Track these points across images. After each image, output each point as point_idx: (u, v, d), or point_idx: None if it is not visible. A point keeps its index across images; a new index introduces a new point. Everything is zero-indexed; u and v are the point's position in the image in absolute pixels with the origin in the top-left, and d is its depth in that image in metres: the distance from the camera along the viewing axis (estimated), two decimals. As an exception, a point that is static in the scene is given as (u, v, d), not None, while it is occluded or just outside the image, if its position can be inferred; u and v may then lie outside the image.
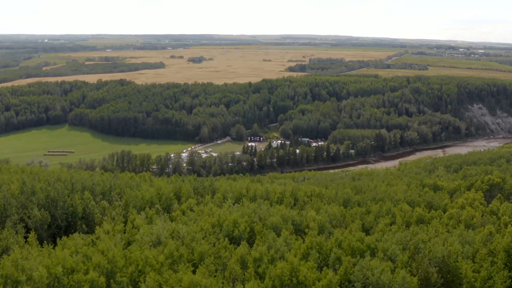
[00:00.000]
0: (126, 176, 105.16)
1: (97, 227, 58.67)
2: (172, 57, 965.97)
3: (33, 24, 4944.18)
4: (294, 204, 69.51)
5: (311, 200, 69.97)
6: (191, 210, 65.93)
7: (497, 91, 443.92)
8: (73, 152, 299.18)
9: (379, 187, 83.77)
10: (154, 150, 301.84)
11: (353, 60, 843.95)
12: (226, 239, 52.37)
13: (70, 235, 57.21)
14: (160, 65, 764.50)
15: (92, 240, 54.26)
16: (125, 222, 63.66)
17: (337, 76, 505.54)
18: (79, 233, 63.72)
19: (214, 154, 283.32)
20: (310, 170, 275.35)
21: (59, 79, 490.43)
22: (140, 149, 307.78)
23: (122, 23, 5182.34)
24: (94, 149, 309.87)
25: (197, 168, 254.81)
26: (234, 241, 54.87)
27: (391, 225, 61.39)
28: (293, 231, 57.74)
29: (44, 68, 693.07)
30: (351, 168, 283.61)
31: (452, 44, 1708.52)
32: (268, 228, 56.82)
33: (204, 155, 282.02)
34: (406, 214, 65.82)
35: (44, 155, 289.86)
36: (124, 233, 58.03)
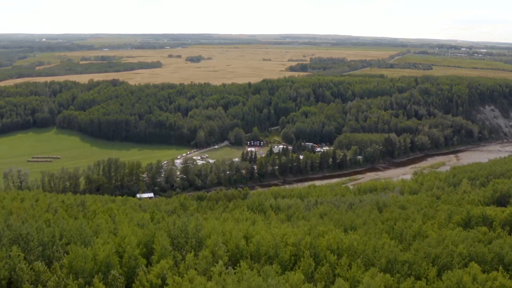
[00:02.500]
0: (96, 203, 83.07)
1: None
2: (170, 56, 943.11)
3: (32, 23, 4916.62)
4: (315, 268, 47.66)
5: (339, 260, 48.24)
6: (164, 282, 44.48)
7: (509, 92, 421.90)
8: (59, 158, 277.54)
9: (425, 230, 62.11)
10: (147, 155, 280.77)
11: (355, 59, 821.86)
12: None
13: None
14: (157, 65, 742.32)
15: None
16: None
17: (341, 76, 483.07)
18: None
19: (211, 161, 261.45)
20: (315, 178, 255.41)
21: (51, 79, 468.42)
22: (131, 154, 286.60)
23: (121, 22, 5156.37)
24: (82, 154, 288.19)
25: (191, 177, 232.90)
26: None
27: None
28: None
29: (37, 68, 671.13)
30: (359, 176, 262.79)
31: (453, 44, 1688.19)
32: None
33: (200, 162, 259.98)
34: (484, 286, 44.57)
35: (28, 161, 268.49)
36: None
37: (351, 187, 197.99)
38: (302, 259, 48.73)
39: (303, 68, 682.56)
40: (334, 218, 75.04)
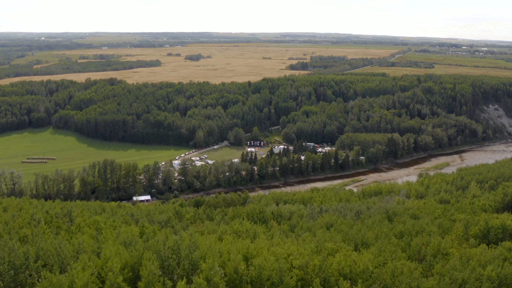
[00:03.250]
0: (83, 213, 76.58)
1: None
2: (169, 54, 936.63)
3: (32, 22, 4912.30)
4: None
5: (354, 288, 41.96)
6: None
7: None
8: (54, 159, 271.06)
9: (444, 247, 55.77)
10: (144, 156, 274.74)
11: (356, 58, 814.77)
12: None
13: None
14: (156, 63, 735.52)
15: None
16: None
17: (342, 75, 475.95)
18: None
19: (210, 162, 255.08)
20: (316, 180, 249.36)
21: (47, 77, 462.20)
22: (129, 155, 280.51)
23: (120, 21, 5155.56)
24: (78, 155, 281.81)
25: (190, 179, 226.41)
26: None
27: None
28: None
29: (35, 67, 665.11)
30: (362, 177, 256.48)
31: (454, 42, 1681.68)
32: None
33: (198, 163, 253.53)
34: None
35: (22, 162, 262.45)
36: None
37: (355, 189, 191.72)
38: (310, 287, 42.36)
39: (303, 66, 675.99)
40: (343, 231, 68.68)
